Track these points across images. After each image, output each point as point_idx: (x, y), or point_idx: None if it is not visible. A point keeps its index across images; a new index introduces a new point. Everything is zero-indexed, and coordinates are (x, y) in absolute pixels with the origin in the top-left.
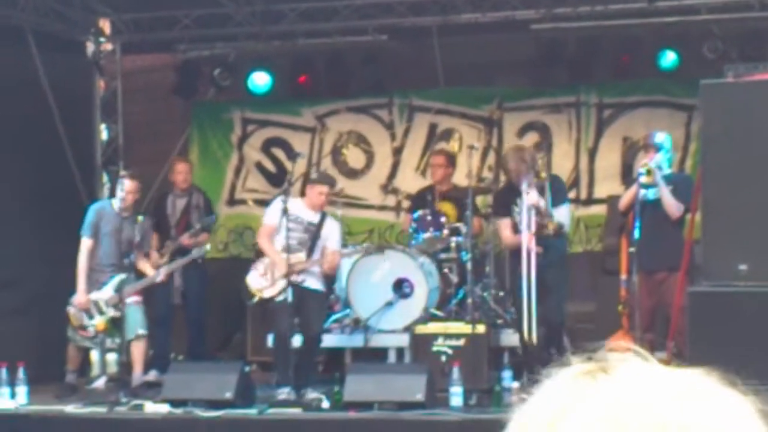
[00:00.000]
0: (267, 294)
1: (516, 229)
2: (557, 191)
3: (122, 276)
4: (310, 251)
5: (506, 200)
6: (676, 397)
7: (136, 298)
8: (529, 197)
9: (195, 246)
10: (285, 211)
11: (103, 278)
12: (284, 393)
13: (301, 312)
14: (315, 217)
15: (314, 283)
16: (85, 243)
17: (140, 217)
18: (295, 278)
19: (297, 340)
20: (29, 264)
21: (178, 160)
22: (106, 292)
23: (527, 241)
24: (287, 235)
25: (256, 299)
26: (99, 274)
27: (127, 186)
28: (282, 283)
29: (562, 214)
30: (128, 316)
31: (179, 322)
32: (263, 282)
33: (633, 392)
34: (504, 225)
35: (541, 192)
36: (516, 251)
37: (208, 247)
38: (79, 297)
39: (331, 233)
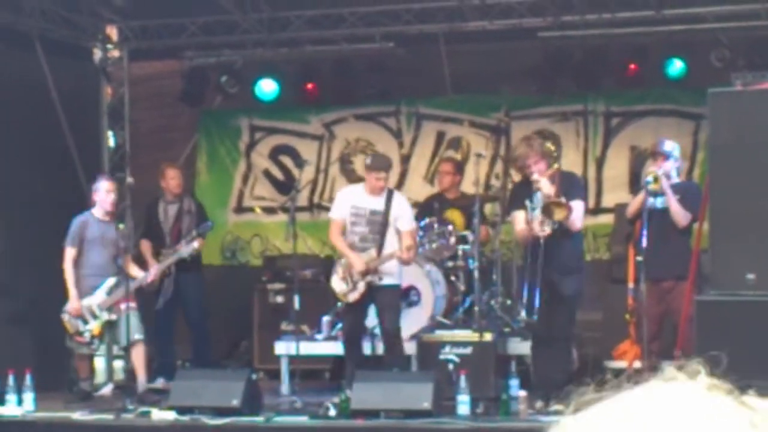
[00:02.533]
0: (351, 298)
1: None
2: (571, 185)
3: (113, 279)
4: (380, 245)
5: (521, 194)
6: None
7: (131, 303)
8: (539, 184)
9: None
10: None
11: (95, 283)
12: (291, 401)
13: (376, 310)
14: (379, 203)
15: (389, 279)
16: (69, 252)
17: (121, 225)
18: (371, 278)
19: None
20: (37, 271)
21: (168, 166)
22: (98, 296)
23: (537, 224)
24: (350, 230)
25: (341, 304)
26: (91, 279)
27: (107, 186)
28: (362, 286)
29: (576, 209)
30: (124, 322)
31: (182, 328)
32: (344, 286)
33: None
34: (517, 218)
35: (553, 182)
36: (530, 245)
37: (195, 244)
38: (72, 304)
39: (401, 213)
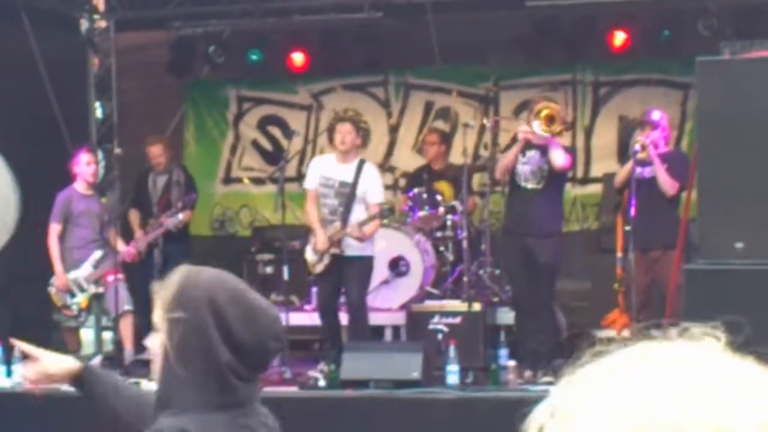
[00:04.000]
0: (317, 269)
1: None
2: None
3: (99, 252)
4: (345, 217)
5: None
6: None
7: (119, 275)
8: (523, 130)
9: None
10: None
11: (81, 256)
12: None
13: (343, 282)
14: (348, 174)
15: (353, 249)
16: (54, 228)
17: (103, 199)
18: (335, 250)
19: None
20: (22, 242)
21: (151, 143)
22: (85, 270)
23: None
24: (322, 203)
25: (312, 276)
26: (77, 252)
27: (86, 158)
28: (326, 258)
29: (565, 153)
30: (112, 293)
31: None
32: (314, 257)
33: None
34: (504, 154)
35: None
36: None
37: (181, 216)
38: (58, 278)
39: (370, 185)
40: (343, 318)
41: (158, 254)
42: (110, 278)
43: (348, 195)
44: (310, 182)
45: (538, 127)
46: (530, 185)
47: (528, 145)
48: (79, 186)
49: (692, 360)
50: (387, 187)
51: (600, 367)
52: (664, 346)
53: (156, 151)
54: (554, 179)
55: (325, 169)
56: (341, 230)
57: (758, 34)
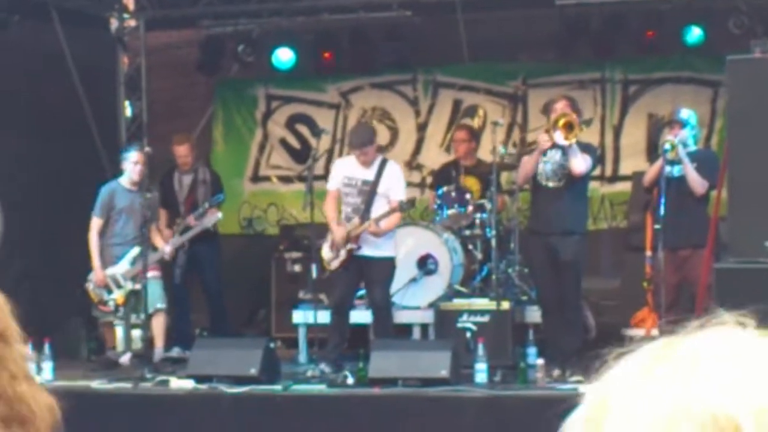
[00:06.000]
0: (333, 266)
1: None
2: (584, 148)
3: (136, 249)
4: (364, 214)
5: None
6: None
7: (155, 272)
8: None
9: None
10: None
11: (119, 252)
12: (311, 369)
13: (365, 283)
14: (370, 173)
15: (373, 249)
16: (96, 222)
17: (147, 194)
18: (351, 245)
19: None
20: (55, 242)
21: (176, 143)
22: (123, 266)
23: (544, 178)
24: (345, 201)
25: (327, 273)
26: (116, 248)
27: (134, 157)
28: (343, 254)
29: (585, 159)
30: (147, 290)
31: (199, 298)
32: (330, 254)
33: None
34: (525, 159)
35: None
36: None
37: (219, 215)
38: (96, 273)
39: (392, 183)
40: (366, 317)
41: (182, 255)
42: (147, 274)
43: (369, 192)
44: (333, 183)
45: (559, 137)
46: (552, 184)
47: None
48: (124, 181)
49: (714, 351)
50: (415, 185)
51: (626, 367)
52: (684, 340)
53: (183, 151)
54: (576, 178)
55: (348, 169)
56: (359, 226)
57: None
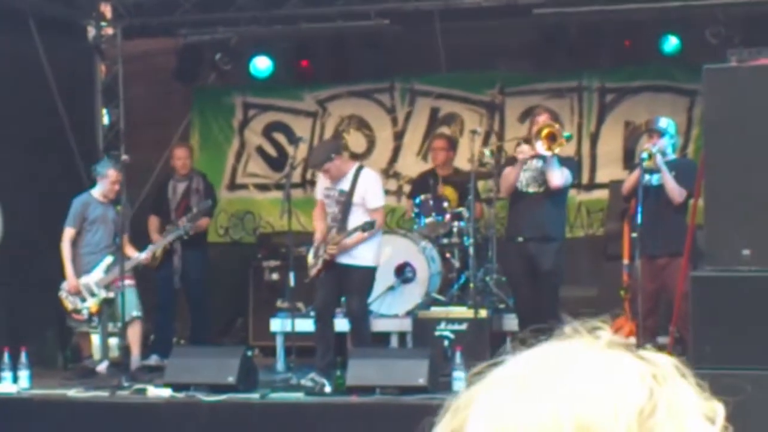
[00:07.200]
0: (312, 272)
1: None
2: (564, 161)
3: (110, 258)
4: (341, 224)
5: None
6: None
7: (131, 281)
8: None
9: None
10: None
11: (93, 261)
12: (286, 377)
13: (343, 292)
14: (346, 182)
15: (349, 259)
16: (69, 232)
17: (118, 207)
18: (321, 254)
19: (339, 323)
20: (32, 250)
21: (177, 146)
22: (96, 275)
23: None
24: (327, 211)
25: (307, 280)
26: (89, 257)
27: (113, 176)
28: (320, 262)
29: (563, 172)
30: (123, 298)
31: (182, 306)
32: (313, 260)
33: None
34: (506, 171)
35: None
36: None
37: (201, 222)
38: (70, 281)
39: (366, 189)
40: (344, 324)
41: (177, 260)
42: (120, 283)
43: (344, 203)
44: (317, 192)
45: (541, 147)
46: (532, 189)
47: None
48: (96, 193)
49: (562, 360)
50: (391, 193)
51: (499, 371)
52: (545, 348)
53: (181, 153)
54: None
55: (327, 180)
56: (335, 237)
57: (766, 41)
